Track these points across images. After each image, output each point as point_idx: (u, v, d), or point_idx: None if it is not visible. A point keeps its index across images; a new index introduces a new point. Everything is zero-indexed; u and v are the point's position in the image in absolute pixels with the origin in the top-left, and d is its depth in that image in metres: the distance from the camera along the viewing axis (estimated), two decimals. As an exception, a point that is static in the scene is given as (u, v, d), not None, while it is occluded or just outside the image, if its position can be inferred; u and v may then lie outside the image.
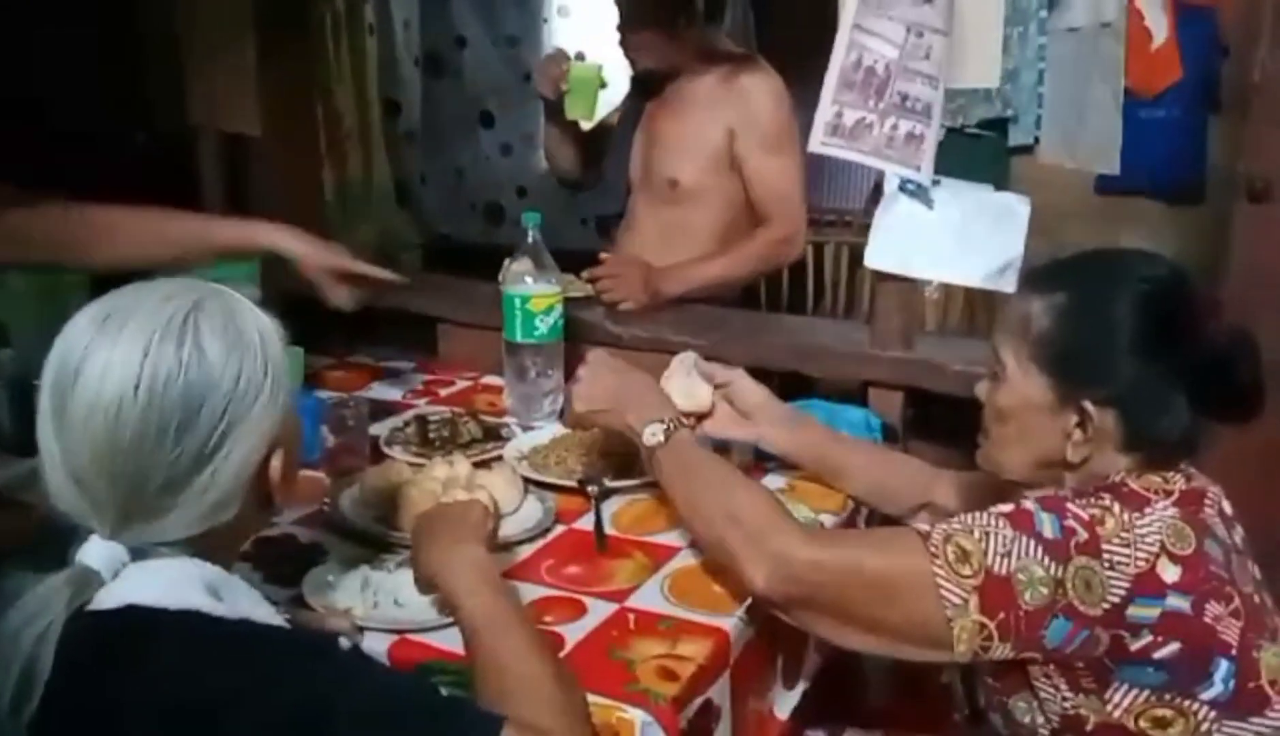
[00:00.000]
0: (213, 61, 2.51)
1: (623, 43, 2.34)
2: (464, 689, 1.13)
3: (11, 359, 1.77)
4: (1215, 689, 1.08)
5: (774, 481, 1.60)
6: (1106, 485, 1.15)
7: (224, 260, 1.70)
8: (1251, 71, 2.06)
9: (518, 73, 4.01)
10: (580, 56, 2.31)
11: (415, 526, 1.25)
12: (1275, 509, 1.51)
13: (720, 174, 2.33)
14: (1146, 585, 1.08)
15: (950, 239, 1.85)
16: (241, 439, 0.92)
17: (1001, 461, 1.26)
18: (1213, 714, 1.09)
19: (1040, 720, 1.16)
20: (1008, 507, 1.13)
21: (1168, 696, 1.09)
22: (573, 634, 1.22)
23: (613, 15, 2.37)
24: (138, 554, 0.93)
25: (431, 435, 1.74)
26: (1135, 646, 1.08)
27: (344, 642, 1.16)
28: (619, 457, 1.65)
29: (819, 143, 1.81)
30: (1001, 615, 1.08)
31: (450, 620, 1.21)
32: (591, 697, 1.07)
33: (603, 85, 2.31)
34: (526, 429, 1.83)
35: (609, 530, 1.48)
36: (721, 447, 1.51)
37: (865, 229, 1.98)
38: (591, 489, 1.55)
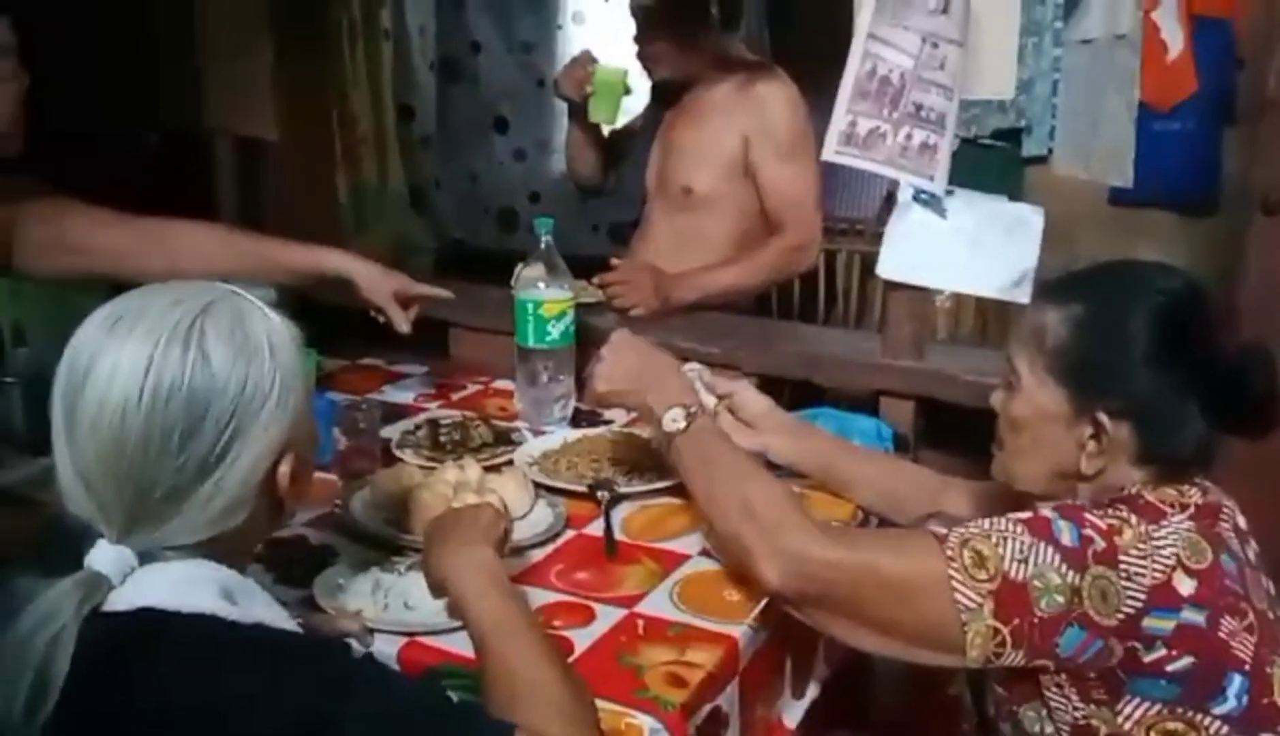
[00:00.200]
0: (229, 66, 2.53)
1: (639, 53, 2.35)
2: (474, 693, 1.13)
3: (27, 358, 1.78)
4: (1228, 704, 1.08)
5: (784, 490, 1.60)
6: (1122, 497, 1.15)
7: (288, 282, 1.71)
8: (1267, 84, 2.06)
9: (532, 79, 4.03)
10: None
11: (427, 530, 1.25)
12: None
13: (735, 182, 2.33)
14: (1162, 597, 1.07)
15: (963, 249, 1.84)
16: (248, 445, 0.92)
17: (1015, 472, 1.26)
18: (1225, 729, 1.08)
19: (1050, 729, 1.15)
20: (1026, 514, 1.13)
21: (1180, 710, 1.08)
22: (582, 639, 1.22)
23: (627, 22, 2.38)
24: (146, 557, 0.92)
25: (443, 439, 1.74)
26: (1149, 659, 1.08)
27: (357, 648, 1.16)
28: (630, 463, 1.65)
29: (833, 151, 1.81)
30: (1016, 621, 1.08)
31: (461, 623, 1.21)
32: (600, 703, 1.07)
33: (627, 90, 2.31)
34: (537, 433, 1.83)
35: (619, 536, 1.48)
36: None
37: (877, 238, 1.98)
38: (602, 494, 1.55)
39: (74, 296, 1.88)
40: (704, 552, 1.43)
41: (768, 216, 2.33)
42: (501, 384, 2.09)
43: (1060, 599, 1.07)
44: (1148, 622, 1.07)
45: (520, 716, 0.95)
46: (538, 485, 1.58)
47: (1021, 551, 1.09)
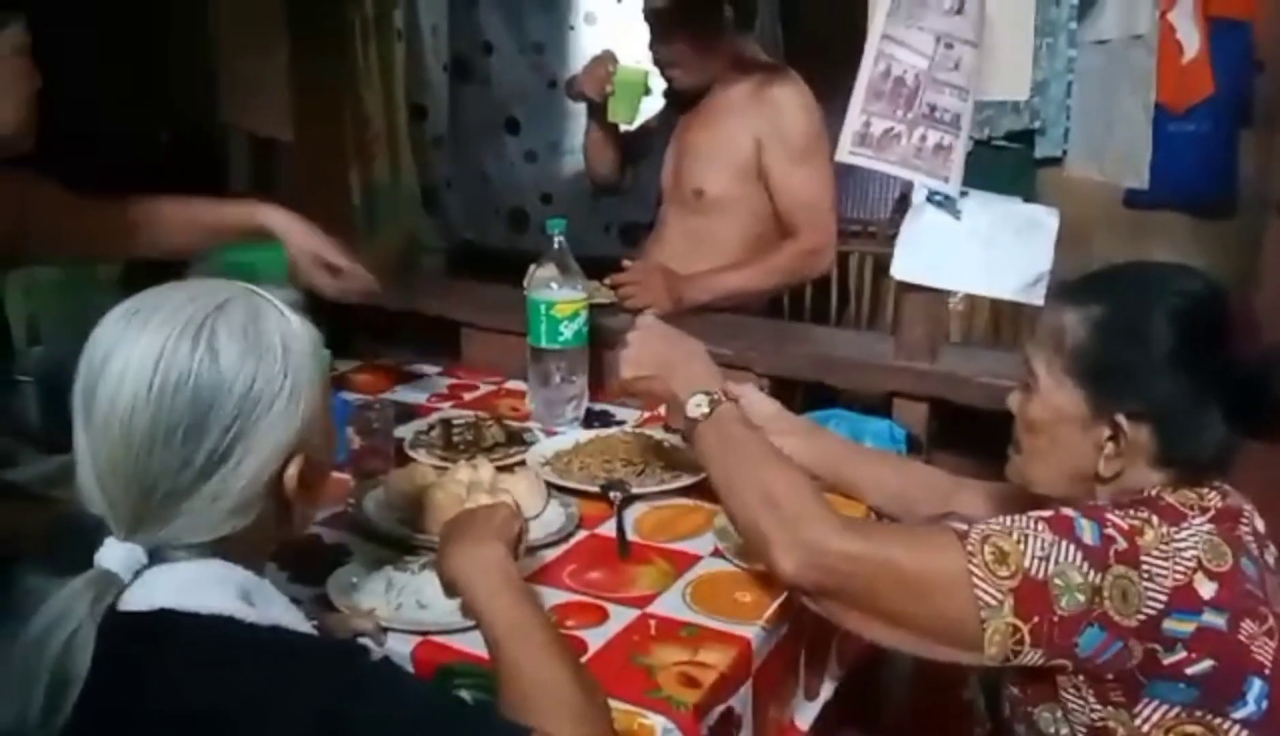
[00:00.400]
0: (245, 65, 2.53)
1: (654, 55, 2.35)
2: (488, 692, 1.13)
3: (41, 356, 1.79)
4: (1248, 708, 1.07)
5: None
6: (1143, 499, 1.14)
7: (231, 242, 1.73)
8: (1285, 87, 2.05)
9: (543, 80, 4.03)
10: None
11: (442, 530, 1.24)
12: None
13: (747, 185, 2.33)
14: (1183, 599, 1.07)
15: (978, 251, 1.83)
16: (255, 445, 0.91)
17: (1032, 474, 1.25)
18: (1244, 733, 1.07)
19: (1066, 731, 1.15)
20: (1047, 512, 1.12)
21: (1199, 713, 1.08)
22: (594, 639, 1.22)
23: (640, 23, 2.38)
24: (157, 556, 0.92)
25: (455, 439, 1.75)
26: (1168, 661, 1.07)
27: (375, 651, 1.16)
28: (642, 464, 1.65)
29: (846, 152, 1.81)
30: (1036, 619, 1.07)
31: (474, 623, 1.21)
32: (612, 703, 1.06)
33: (647, 91, 2.31)
34: (550, 434, 1.83)
35: (631, 536, 1.47)
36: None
37: (890, 239, 1.97)
38: (614, 495, 1.55)
39: (89, 293, 1.90)
40: (716, 553, 1.43)
41: (781, 220, 2.33)
42: (514, 384, 2.09)
43: (1081, 598, 1.06)
44: (1168, 624, 1.06)
45: (533, 718, 0.95)
46: (550, 485, 1.58)
47: (1043, 549, 1.08)
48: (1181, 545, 1.09)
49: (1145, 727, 1.09)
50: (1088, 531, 1.09)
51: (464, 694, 1.15)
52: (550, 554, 1.42)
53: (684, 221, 2.40)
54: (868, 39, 1.78)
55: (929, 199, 1.84)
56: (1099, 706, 1.11)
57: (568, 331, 1.85)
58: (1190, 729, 1.08)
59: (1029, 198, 1.90)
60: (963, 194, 1.82)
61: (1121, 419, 1.14)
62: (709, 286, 2.27)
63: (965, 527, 1.12)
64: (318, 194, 2.65)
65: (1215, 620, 1.07)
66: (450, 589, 1.17)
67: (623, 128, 2.48)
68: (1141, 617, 1.06)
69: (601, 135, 2.50)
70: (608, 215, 3.89)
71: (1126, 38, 1.86)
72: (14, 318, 1.89)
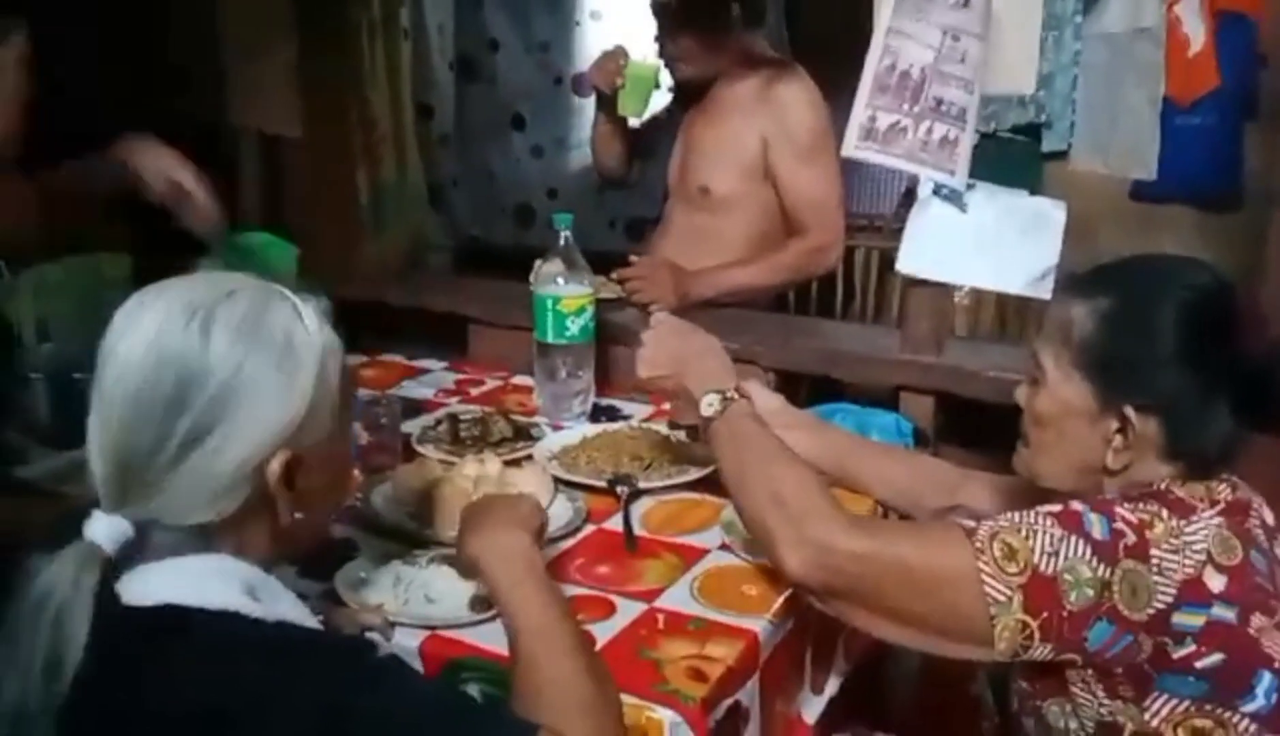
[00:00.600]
0: (254, 63, 2.54)
1: (662, 52, 2.35)
2: (496, 686, 1.14)
3: (51, 353, 1.80)
4: (1257, 701, 1.07)
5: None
6: (1152, 492, 1.14)
7: (112, 193, 1.75)
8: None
9: (549, 77, 4.03)
10: None
11: (464, 512, 1.24)
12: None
13: (753, 183, 2.33)
14: (1193, 593, 1.06)
15: (984, 245, 1.83)
16: (237, 432, 0.91)
17: (1040, 468, 1.25)
18: (1254, 727, 1.07)
19: (1075, 725, 1.15)
20: (1055, 507, 1.12)
21: (1208, 707, 1.08)
22: (602, 633, 1.22)
23: (646, 19, 2.38)
24: (143, 534, 0.92)
25: (463, 434, 1.75)
26: (1178, 655, 1.07)
27: (383, 647, 1.16)
28: (649, 458, 1.65)
29: (853, 147, 1.81)
30: (1045, 614, 1.07)
31: (482, 617, 1.22)
32: (620, 697, 1.06)
33: (657, 85, 2.32)
34: (557, 428, 1.83)
35: (639, 530, 1.48)
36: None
37: (895, 234, 1.97)
38: (621, 489, 1.55)
39: (98, 291, 1.91)
40: (724, 547, 1.43)
41: (787, 217, 2.33)
42: (521, 379, 2.09)
43: (1090, 592, 1.06)
44: (1177, 618, 1.06)
45: (545, 714, 0.95)
46: (557, 480, 1.58)
47: (1052, 544, 1.08)
48: (1191, 539, 1.08)
49: (1154, 722, 1.09)
50: (1097, 526, 1.09)
51: (472, 688, 1.16)
52: (557, 548, 1.42)
53: (690, 218, 2.40)
54: (874, 33, 1.78)
55: (935, 192, 1.84)
56: (1108, 700, 1.11)
57: (574, 326, 1.85)
58: (1200, 722, 1.08)
59: (1035, 191, 1.90)
60: (969, 187, 1.82)
61: (1129, 411, 1.14)
62: (715, 282, 2.28)
63: (973, 524, 1.12)
64: (325, 193, 2.67)
65: (1225, 613, 1.06)
66: (471, 571, 1.18)
67: (631, 122, 2.48)
68: (1151, 612, 1.06)
69: (609, 129, 2.50)
70: (613, 211, 3.89)
71: (1132, 30, 1.86)
72: (23, 316, 1.91)
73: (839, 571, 1.15)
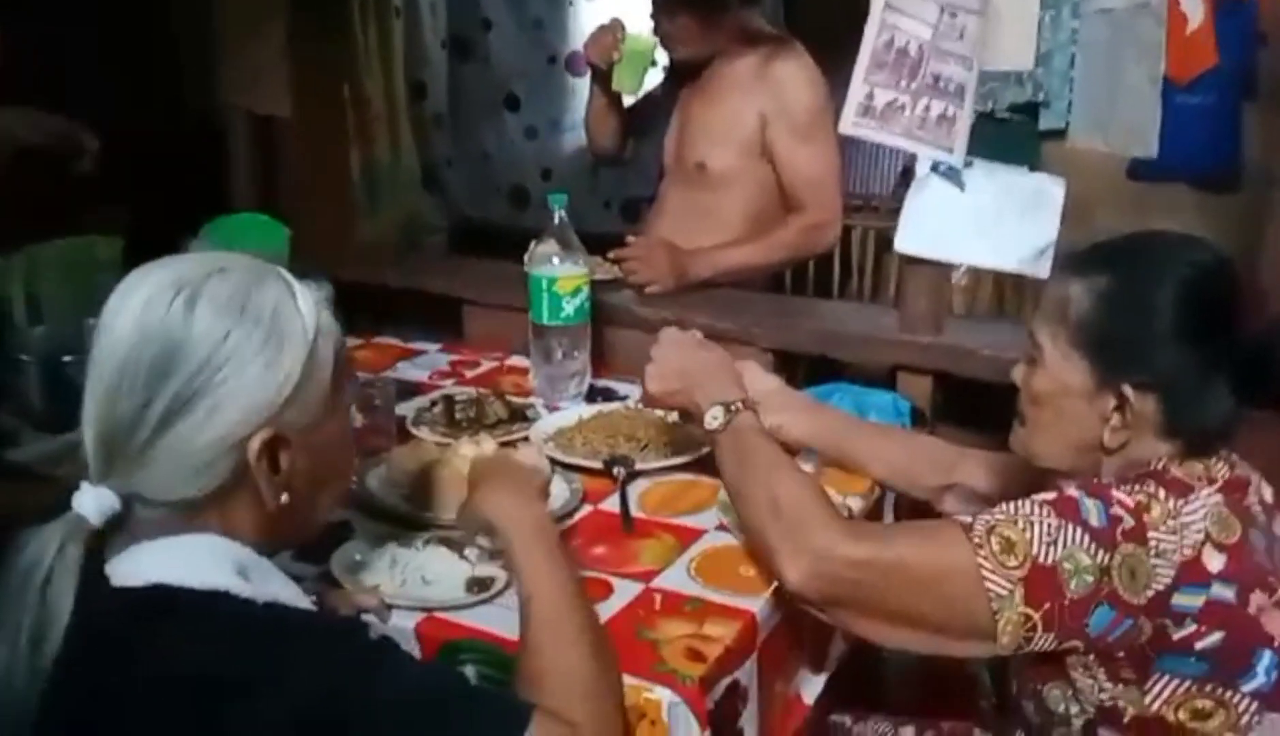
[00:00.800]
0: (244, 43, 2.52)
1: (659, 30, 2.32)
2: (492, 667, 1.13)
3: (42, 336, 1.79)
4: (1258, 680, 1.07)
5: (800, 466, 1.59)
6: (1149, 471, 1.13)
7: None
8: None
9: (543, 56, 4.01)
10: None
11: (481, 467, 1.25)
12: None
13: (750, 159, 2.31)
14: (1191, 573, 1.06)
15: (983, 222, 1.82)
16: (219, 406, 0.90)
17: (1037, 447, 1.24)
18: (1254, 705, 1.07)
19: (1075, 710, 1.14)
20: (1050, 495, 1.11)
21: (1209, 687, 1.07)
22: (599, 614, 1.21)
23: (640, -2, 2.36)
24: (129, 508, 0.92)
25: (458, 415, 1.74)
26: (1178, 635, 1.06)
27: (375, 627, 1.16)
28: (645, 439, 1.64)
29: (850, 124, 1.80)
30: (1047, 605, 1.06)
31: (478, 598, 1.22)
32: (618, 677, 1.07)
33: (653, 62, 2.30)
34: (552, 410, 1.82)
35: (636, 512, 1.47)
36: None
37: (892, 213, 1.96)
38: (618, 470, 1.55)
39: (90, 273, 1.89)
40: (720, 527, 1.42)
41: (785, 195, 2.31)
42: (516, 361, 2.08)
43: (1089, 579, 1.06)
44: (1177, 599, 1.06)
45: (544, 697, 0.95)
46: (553, 461, 1.57)
47: (1049, 534, 1.07)
48: (1189, 519, 1.08)
49: (1156, 704, 1.09)
50: (1093, 512, 1.08)
51: (469, 669, 1.15)
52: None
53: (686, 196, 2.38)
54: (870, 9, 1.77)
55: (933, 170, 1.83)
56: (1109, 685, 1.10)
57: (570, 307, 1.84)
58: (1200, 703, 1.08)
59: (1033, 170, 1.88)
60: (967, 164, 1.81)
61: (1127, 389, 1.13)
62: (713, 262, 2.26)
63: (969, 520, 1.12)
64: (318, 174, 2.65)
65: (1224, 593, 1.06)
66: (477, 527, 1.18)
67: (626, 99, 2.46)
68: (1150, 594, 1.06)
69: (604, 104, 2.47)
70: (608, 191, 3.87)
71: (1131, 7, 1.85)
72: (15, 298, 1.89)
73: (838, 579, 1.14)
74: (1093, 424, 1.17)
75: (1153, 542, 1.07)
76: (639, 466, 1.57)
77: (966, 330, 2.03)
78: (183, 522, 0.93)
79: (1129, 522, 1.07)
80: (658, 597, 1.26)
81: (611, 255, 2.22)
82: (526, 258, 1.88)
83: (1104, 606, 1.06)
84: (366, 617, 1.17)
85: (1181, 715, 1.08)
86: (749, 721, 1.22)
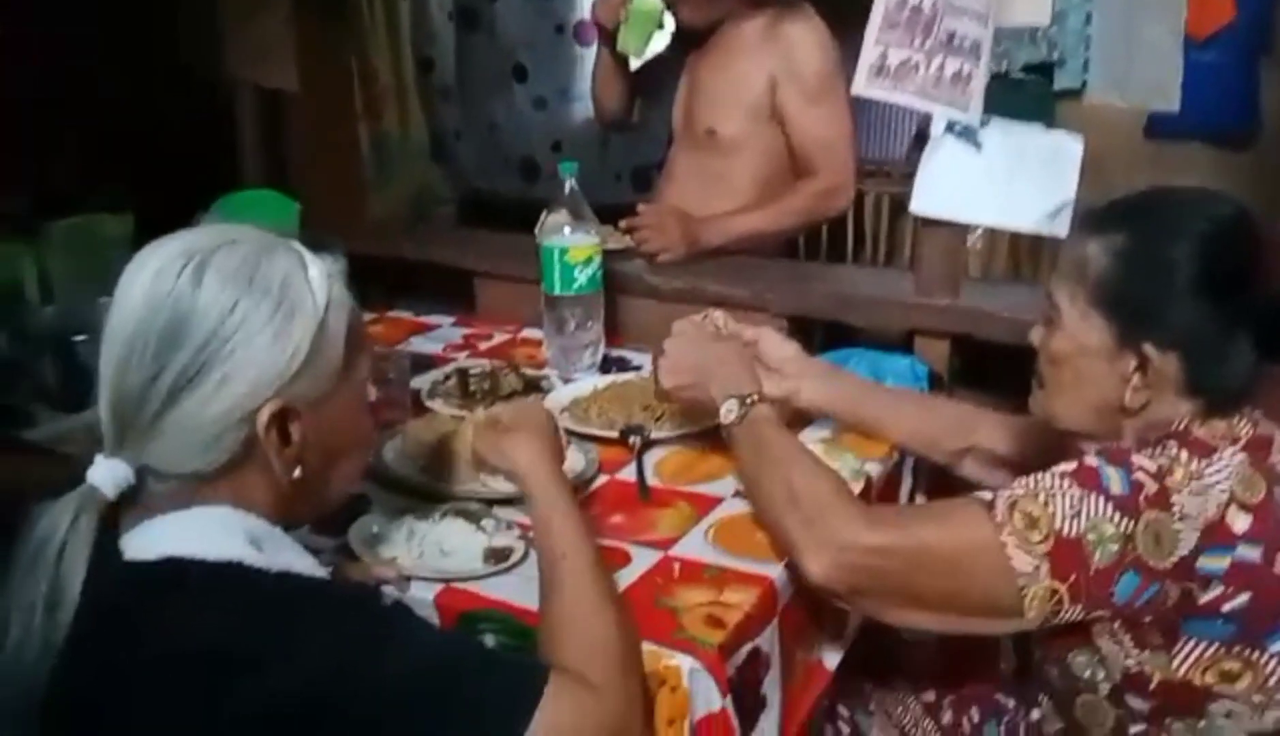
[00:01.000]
0: (250, 17, 2.50)
1: None
2: (511, 637, 1.13)
3: (54, 316, 1.79)
4: None
5: (818, 432, 1.58)
6: (1171, 433, 1.12)
7: None
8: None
9: (550, 25, 3.96)
10: None
11: (514, 411, 1.27)
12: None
13: (760, 124, 2.28)
14: (1217, 535, 1.05)
15: (999, 182, 1.79)
16: (228, 377, 0.90)
17: (1057, 410, 1.22)
18: None
19: (1101, 676, 1.14)
20: (1070, 466, 1.10)
21: (1236, 648, 1.06)
22: (618, 582, 1.21)
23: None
24: (142, 480, 0.92)
25: (472, 388, 1.74)
26: (1204, 598, 1.05)
27: (389, 593, 1.16)
28: (660, 408, 1.63)
29: (863, 85, 1.77)
30: (1073, 577, 1.05)
31: (496, 569, 1.22)
32: (638, 645, 1.06)
33: (660, 25, 2.27)
34: (567, 381, 1.82)
35: (652, 480, 1.46)
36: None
37: (906, 178, 1.93)
38: (633, 439, 1.54)
39: (101, 250, 1.89)
40: (738, 495, 1.42)
41: (797, 159, 2.29)
42: (529, 333, 2.08)
43: (1114, 548, 1.04)
44: (1202, 562, 1.05)
45: (570, 657, 0.96)
46: (569, 432, 1.56)
47: (1072, 506, 1.06)
48: (1212, 480, 1.06)
49: (1183, 668, 1.08)
50: (1115, 480, 1.07)
51: (488, 639, 1.15)
52: (571, 500, 1.42)
53: (696, 161, 2.36)
54: (882, -34, 1.74)
55: (949, 130, 1.80)
56: (1135, 651, 1.10)
57: (582, 277, 1.83)
58: (1228, 665, 1.07)
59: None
60: (983, 123, 1.78)
61: (1149, 348, 1.11)
62: (725, 229, 2.25)
63: (989, 496, 1.10)
64: (327, 149, 2.64)
65: (1250, 553, 1.05)
66: (500, 471, 1.19)
67: (631, 62, 2.43)
68: (1175, 558, 1.04)
69: (611, 67, 2.44)
70: (618, 162, 3.84)
71: (1150, -40, 1.81)
72: (26, 278, 1.89)
73: (861, 568, 1.13)
74: (1113, 384, 1.15)
75: (1176, 506, 1.05)
76: (655, 435, 1.57)
77: (984, 292, 2.01)
78: (195, 495, 0.93)
79: (1151, 488, 1.06)
80: (676, 565, 1.26)
81: (623, 224, 2.21)
82: (538, 228, 1.87)
83: (1129, 573, 1.05)
84: (386, 590, 1.17)
85: (1209, 678, 1.08)
86: (771, 687, 1.22)
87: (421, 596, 1.19)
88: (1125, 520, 1.05)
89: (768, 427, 1.30)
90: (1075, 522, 1.05)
